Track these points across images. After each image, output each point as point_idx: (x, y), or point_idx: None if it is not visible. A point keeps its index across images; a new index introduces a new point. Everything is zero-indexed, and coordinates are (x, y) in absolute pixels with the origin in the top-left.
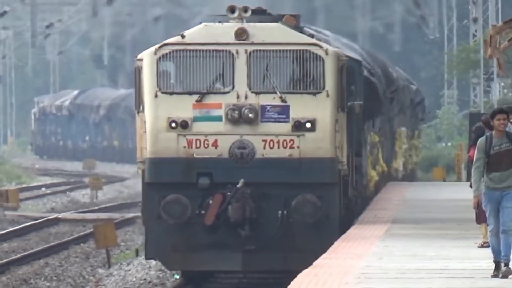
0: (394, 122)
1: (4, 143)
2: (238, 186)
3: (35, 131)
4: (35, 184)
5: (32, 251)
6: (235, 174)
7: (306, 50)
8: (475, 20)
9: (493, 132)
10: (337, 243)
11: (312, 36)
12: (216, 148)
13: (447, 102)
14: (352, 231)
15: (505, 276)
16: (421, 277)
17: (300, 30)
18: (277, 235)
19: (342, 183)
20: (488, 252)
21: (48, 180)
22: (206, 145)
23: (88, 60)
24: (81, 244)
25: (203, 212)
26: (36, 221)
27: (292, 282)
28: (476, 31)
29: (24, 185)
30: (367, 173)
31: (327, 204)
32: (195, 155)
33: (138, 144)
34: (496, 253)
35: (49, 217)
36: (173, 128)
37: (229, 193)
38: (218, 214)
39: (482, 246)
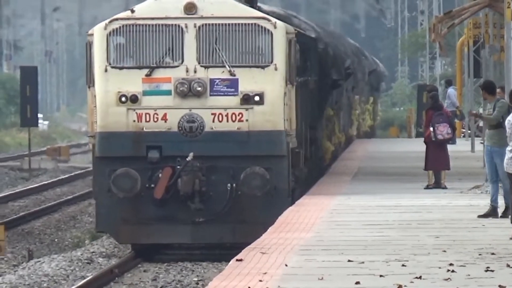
0: (350, 93)
1: (57, 110)
2: (187, 159)
3: None
4: (82, 142)
5: (78, 194)
6: (185, 148)
7: (255, 23)
8: (422, 12)
9: None
10: (314, 187)
11: (266, 13)
12: (165, 121)
13: (400, 76)
14: (326, 177)
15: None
16: (380, 212)
17: (253, 6)
18: (226, 208)
19: (291, 156)
20: (430, 192)
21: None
22: (155, 119)
23: None
24: None
25: (152, 185)
26: (82, 171)
27: (280, 217)
28: (422, 20)
29: (73, 143)
30: (323, 145)
31: (276, 176)
32: (144, 129)
33: (89, 119)
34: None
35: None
36: (122, 102)
37: (178, 167)
38: (168, 188)
39: (427, 188)
